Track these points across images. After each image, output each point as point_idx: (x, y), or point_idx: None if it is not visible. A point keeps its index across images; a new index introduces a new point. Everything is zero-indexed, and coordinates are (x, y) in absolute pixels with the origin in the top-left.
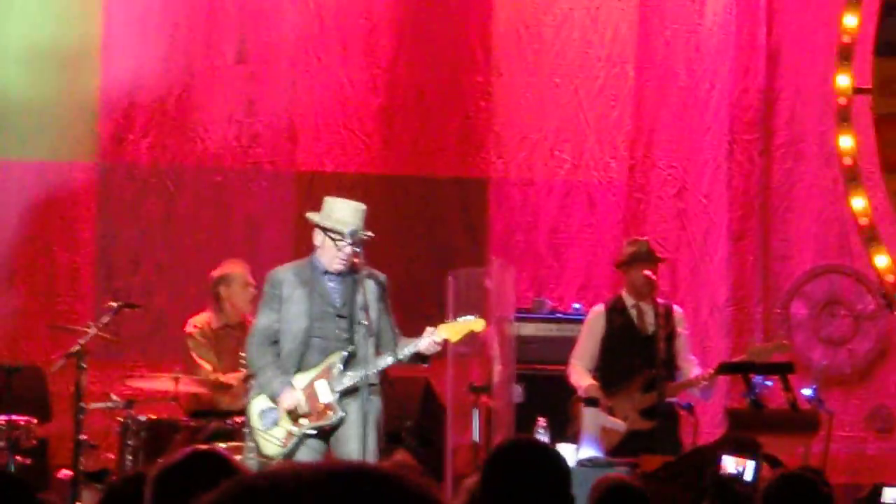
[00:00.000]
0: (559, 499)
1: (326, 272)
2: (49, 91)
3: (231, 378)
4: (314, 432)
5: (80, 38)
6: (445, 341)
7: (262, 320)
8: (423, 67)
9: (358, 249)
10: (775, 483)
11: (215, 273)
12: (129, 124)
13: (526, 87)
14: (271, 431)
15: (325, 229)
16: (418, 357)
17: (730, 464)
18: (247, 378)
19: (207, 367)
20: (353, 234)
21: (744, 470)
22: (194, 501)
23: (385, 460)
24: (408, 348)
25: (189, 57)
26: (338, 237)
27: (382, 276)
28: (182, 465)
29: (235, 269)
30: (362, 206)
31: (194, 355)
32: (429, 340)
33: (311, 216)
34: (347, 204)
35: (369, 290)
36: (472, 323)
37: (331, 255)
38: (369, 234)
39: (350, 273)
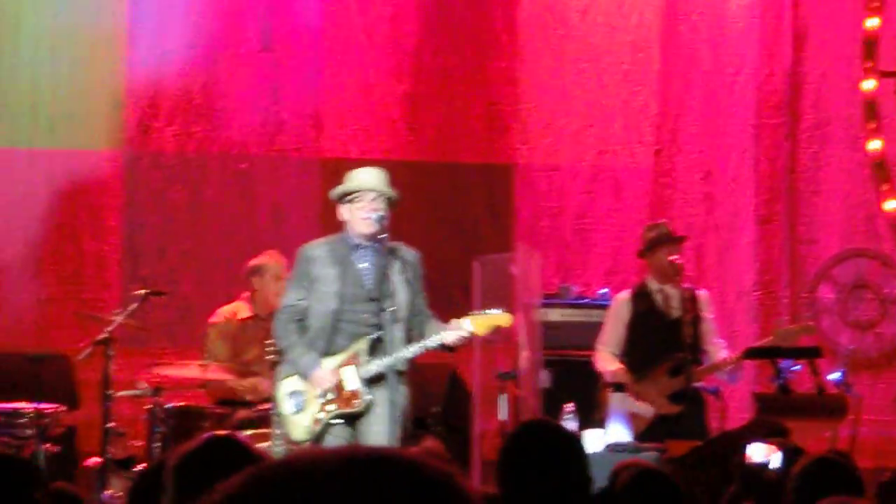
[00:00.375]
0: (576, 480)
1: (357, 246)
2: (75, 80)
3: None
4: (340, 420)
5: (105, 26)
6: (472, 333)
7: (290, 297)
8: (448, 53)
9: (382, 211)
10: (808, 467)
11: (251, 262)
12: (154, 112)
13: (551, 73)
14: (297, 417)
15: (346, 195)
16: (444, 346)
17: (756, 452)
18: (272, 365)
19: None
20: (373, 190)
21: (771, 458)
22: (212, 488)
23: (414, 447)
24: (434, 339)
25: (214, 45)
26: (358, 198)
27: (415, 254)
28: (200, 451)
29: (270, 260)
30: (382, 170)
31: (207, 346)
32: (455, 334)
33: (333, 191)
34: (366, 169)
35: (401, 271)
36: (499, 317)
37: (357, 219)
38: (392, 192)
39: (382, 252)
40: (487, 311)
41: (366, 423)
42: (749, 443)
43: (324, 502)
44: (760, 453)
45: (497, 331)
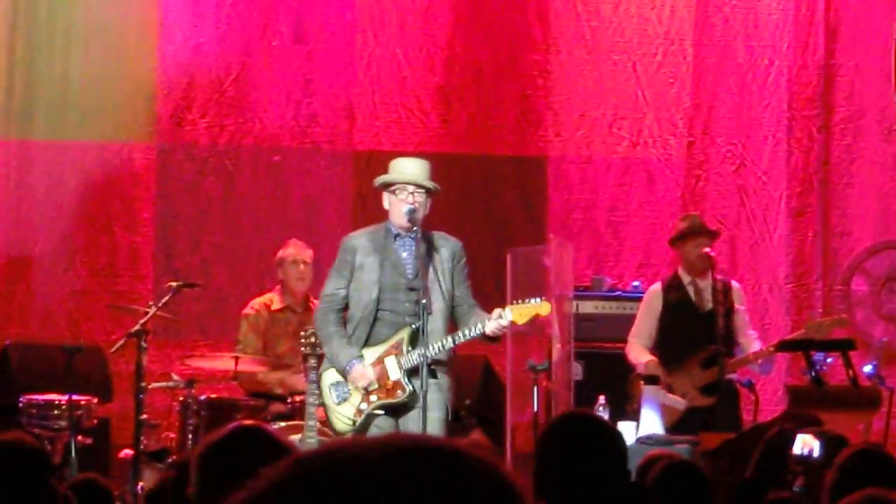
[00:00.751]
0: (615, 473)
1: (398, 236)
2: (107, 72)
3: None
4: (381, 412)
5: (137, 18)
6: (512, 323)
7: (330, 286)
8: (480, 45)
9: (421, 201)
10: (851, 458)
11: (278, 255)
12: (187, 105)
13: (584, 65)
14: (340, 407)
15: (388, 184)
16: (486, 337)
17: (800, 443)
18: (305, 357)
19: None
20: (412, 183)
21: (812, 448)
22: (236, 478)
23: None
24: (475, 329)
25: (246, 37)
26: (399, 188)
27: (457, 243)
28: (227, 440)
29: (288, 249)
30: (425, 161)
31: (238, 337)
32: (496, 323)
33: (377, 179)
34: (409, 159)
35: (442, 260)
36: (538, 306)
37: (397, 209)
38: (432, 184)
39: (423, 241)
40: (527, 300)
41: (408, 415)
42: (780, 433)
43: (368, 490)
44: (803, 444)
45: (536, 319)
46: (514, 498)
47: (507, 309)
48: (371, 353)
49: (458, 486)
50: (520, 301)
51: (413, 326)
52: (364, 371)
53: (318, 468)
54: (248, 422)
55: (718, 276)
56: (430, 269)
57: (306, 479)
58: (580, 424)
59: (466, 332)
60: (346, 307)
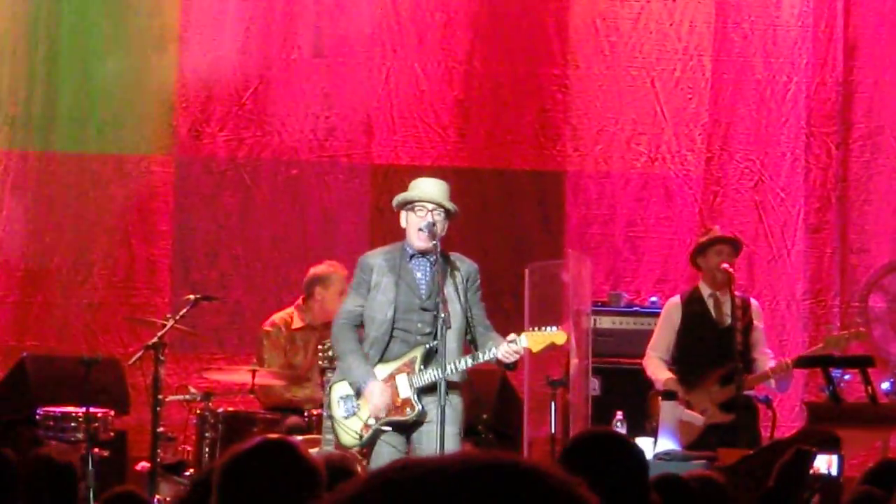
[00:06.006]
0: (636, 491)
1: (413, 256)
2: (127, 85)
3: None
4: (389, 428)
5: (157, 32)
6: (526, 349)
7: (348, 304)
8: (499, 60)
9: (438, 220)
10: (877, 468)
11: (316, 270)
12: (205, 118)
13: (602, 80)
14: (348, 422)
15: (405, 203)
16: (500, 363)
17: (822, 462)
18: (322, 372)
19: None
20: (431, 202)
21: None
22: (258, 492)
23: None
24: (488, 354)
25: (265, 50)
26: (419, 206)
27: (472, 265)
28: (251, 453)
29: (337, 271)
30: (444, 183)
31: (263, 354)
32: (510, 349)
33: (395, 198)
34: (429, 179)
35: (456, 281)
36: (554, 335)
37: (413, 229)
38: (451, 205)
39: (438, 261)
40: (544, 328)
41: (419, 434)
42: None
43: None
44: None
45: (551, 348)
46: None
47: (523, 336)
48: (383, 370)
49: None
50: (536, 328)
51: (427, 346)
52: (377, 390)
53: (397, 483)
54: (275, 436)
55: (738, 293)
56: (447, 288)
57: (385, 495)
58: (601, 442)
59: (480, 355)
60: (363, 325)
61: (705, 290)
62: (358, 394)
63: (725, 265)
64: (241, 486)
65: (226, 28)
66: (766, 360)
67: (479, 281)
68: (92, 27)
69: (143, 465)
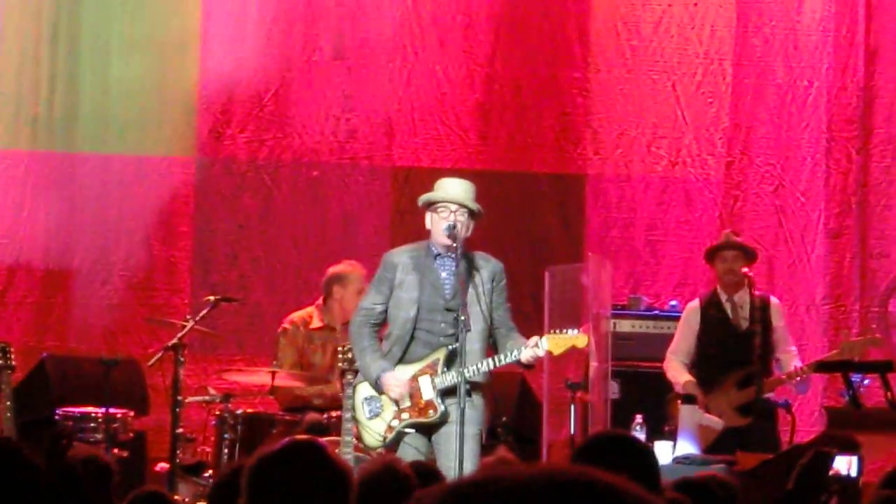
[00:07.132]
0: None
1: (438, 255)
2: (148, 86)
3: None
4: (412, 430)
5: (178, 33)
6: (548, 352)
7: (367, 301)
8: (520, 63)
9: (462, 221)
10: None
11: (334, 270)
12: (226, 119)
13: (623, 84)
14: (371, 423)
15: (430, 203)
16: (521, 364)
17: (841, 464)
18: (342, 373)
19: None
20: (454, 202)
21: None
22: (294, 493)
23: (486, 457)
24: (510, 356)
25: (286, 52)
26: (443, 207)
27: (498, 264)
28: (281, 455)
29: (355, 270)
30: (470, 183)
31: (278, 352)
32: (531, 352)
33: (421, 197)
34: (454, 180)
35: (481, 281)
36: (576, 338)
37: (438, 228)
38: (475, 205)
39: (464, 261)
40: (565, 331)
41: (441, 436)
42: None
43: None
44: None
45: (573, 350)
46: None
47: (545, 338)
48: (405, 371)
49: None
50: (557, 331)
51: (450, 347)
52: (396, 380)
53: (474, 497)
54: (303, 437)
55: (758, 293)
56: (470, 289)
57: None
58: (612, 443)
59: (502, 357)
60: (381, 323)
61: (723, 295)
62: (380, 393)
63: (745, 269)
64: (270, 487)
65: (247, 30)
66: (791, 357)
67: (504, 280)
68: (113, 29)
69: (162, 465)
